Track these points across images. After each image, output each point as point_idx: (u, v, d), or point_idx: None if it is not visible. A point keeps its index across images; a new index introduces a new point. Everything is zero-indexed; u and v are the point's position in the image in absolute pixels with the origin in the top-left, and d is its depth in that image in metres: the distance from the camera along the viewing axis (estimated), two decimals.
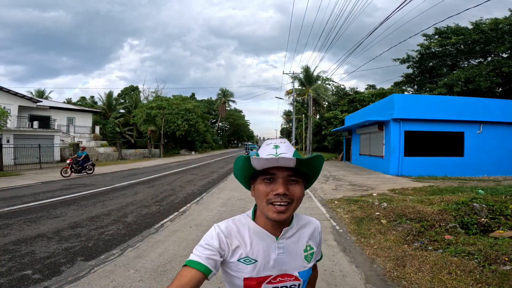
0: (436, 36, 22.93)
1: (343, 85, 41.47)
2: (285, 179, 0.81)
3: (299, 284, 0.90)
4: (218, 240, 0.84)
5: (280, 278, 0.87)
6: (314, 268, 1.12)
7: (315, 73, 32.14)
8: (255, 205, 0.91)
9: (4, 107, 16.75)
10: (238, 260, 0.85)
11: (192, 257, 0.82)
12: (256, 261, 0.85)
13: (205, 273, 0.78)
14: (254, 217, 0.91)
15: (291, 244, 0.90)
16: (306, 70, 31.24)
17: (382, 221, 5.10)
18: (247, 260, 0.85)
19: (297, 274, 0.89)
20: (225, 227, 0.88)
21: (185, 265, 0.81)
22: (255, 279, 0.84)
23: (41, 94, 38.95)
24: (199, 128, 36.57)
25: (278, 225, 0.88)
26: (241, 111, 75.50)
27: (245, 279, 0.84)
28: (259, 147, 0.98)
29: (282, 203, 0.80)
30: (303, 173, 0.86)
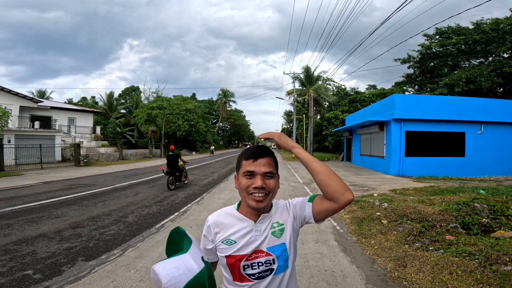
0: (437, 36, 22.89)
1: (343, 85, 41.50)
2: (263, 175, 1.01)
3: (273, 259, 1.03)
4: (208, 231, 1.11)
5: (254, 255, 1.03)
6: (319, 200, 1.05)
7: (315, 73, 32.14)
8: (240, 201, 1.12)
9: (5, 108, 16.78)
10: (222, 242, 1.06)
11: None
12: (235, 242, 1.04)
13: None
14: (238, 208, 1.11)
15: (266, 227, 1.06)
16: (307, 70, 31.22)
17: (383, 221, 5.10)
18: (228, 242, 1.05)
19: (266, 250, 1.03)
20: (214, 220, 1.11)
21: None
22: (233, 256, 1.03)
23: (42, 94, 39.09)
24: (200, 128, 36.61)
25: (258, 212, 1.05)
26: (241, 111, 75.51)
27: (226, 256, 1.04)
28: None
29: (260, 194, 0.99)
30: (276, 167, 1.07)
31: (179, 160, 9.82)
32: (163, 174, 10.11)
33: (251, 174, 1.01)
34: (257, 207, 1.01)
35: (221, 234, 1.07)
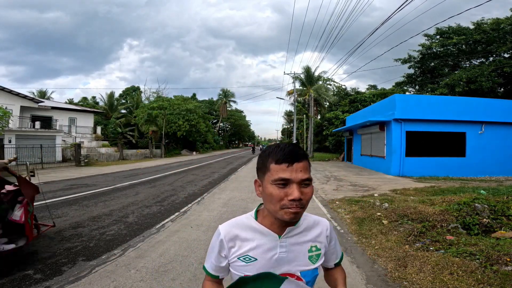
0: (438, 36, 22.87)
1: (344, 85, 41.52)
2: (299, 183, 0.81)
3: (302, 285, 0.90)
4: (220, 246, 0.91)
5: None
6: (338, 269, 1.15)
7: (316, 74, 32.12)
8: (258, 206, 0.96)
9: (6, 108, 16.80)
10: (238, 258, 0.88)
11: (206, 265, 0.98)
12: (255, 259, 0.87)
13: (218, 278, 0.97)
14: (256, 217, 0.93)
15: (294, 243, 0.90)
16: (307, 70, 31.20)
17: (383, 221, 5.09)
18: (247, 259, 0.88)
19: (299, 274, 0.89)
20: (227, 232, 0.91)
21: (205, 272, 0.99)
22: None
23: (43, 94, 39.16)
24: (200, 129, 36.62)
25: (284, 225, 0.88)
26: (242, 112, 75.55)
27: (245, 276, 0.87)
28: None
29: (297, 208, 0.80)
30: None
31: (255, 147, 41.65)
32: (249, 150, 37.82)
33: (286, 183, 0.80)
34: (293, 220, 0.83)
35: (236, 249, 0.89)
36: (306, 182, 0.82)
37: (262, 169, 0.87)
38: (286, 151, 0.83)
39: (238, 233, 0.90)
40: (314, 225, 0.96)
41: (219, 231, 0.92)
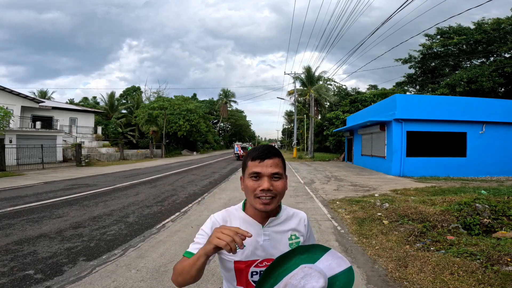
0: (438, 36, 22.85)
1: (344, 85, 41.48)
2: (270, 177, 0.96)
3: None
4: (212, 229, 0.99)
5: (266, 262, 0.98)
6: None
7: (316, 74, 32.12)
8: (245, 200, 1.07)
9: (6, 108, 16.83)
10: None
11: (190, 248, 0.96)
12: (244, 246, 0.95)
13: None
14: (244, 208, 1.06)
15: (276, 232, 1.02)
16: (308, 70, 31.23)
17: (384, 221, 5.09)
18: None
19: None
20: (220, 217, 1.04)
21: (184, 255, 0.94)
22: (243, 262, 0.97)
23: (43, 94, 39.22)
24: (201, 129, 36.63)
25: (266, 215, 1.01)
26: (242, 112, 75.55)
27: (235, 262, 0.97)
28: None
29: (267, 197, 0.94)
30: (284, 168, 1.02)
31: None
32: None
33: (257, 176, 0.96)
34: (265, 210, 0.96)
35: None
36: (276, 176, 0.96)
37: (244, 167, 1.04)
38: (259, 150, 0.99)
39: (228, 220, 1.03)
40: (293, 216, 1.09)
41: (214, 217, 1.04)
